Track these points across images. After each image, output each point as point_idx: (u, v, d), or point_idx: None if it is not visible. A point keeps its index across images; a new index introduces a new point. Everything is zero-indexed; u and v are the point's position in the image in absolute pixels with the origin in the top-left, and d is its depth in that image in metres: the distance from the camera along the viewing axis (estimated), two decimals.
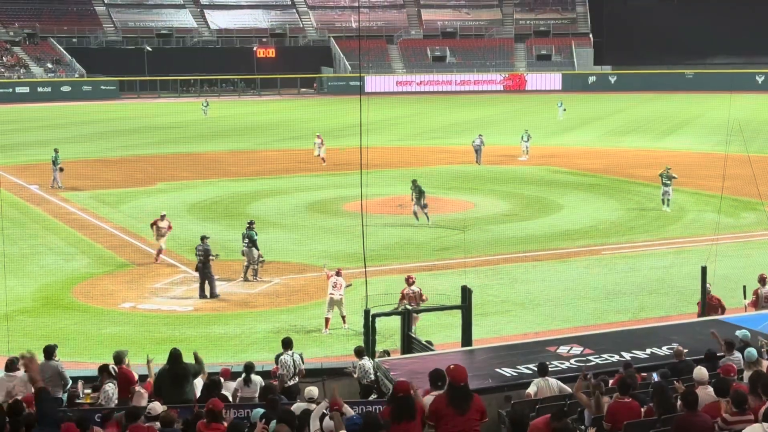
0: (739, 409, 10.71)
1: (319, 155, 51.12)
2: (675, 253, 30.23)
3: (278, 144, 59.63)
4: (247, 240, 27.19)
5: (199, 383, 15.33)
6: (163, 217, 30.12)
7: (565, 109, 73.27)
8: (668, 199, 36.90)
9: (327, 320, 23.02)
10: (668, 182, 36.76)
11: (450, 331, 21.63)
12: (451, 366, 10.65)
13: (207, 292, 25.64)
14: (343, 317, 23.13)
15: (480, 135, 52.29)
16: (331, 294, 22.93)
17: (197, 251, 25.82)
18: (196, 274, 25.99)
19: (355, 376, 16.38)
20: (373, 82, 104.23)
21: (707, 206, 37.17)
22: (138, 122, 74.99)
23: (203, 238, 25.96)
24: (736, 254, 29.17)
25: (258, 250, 27.24)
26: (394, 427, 10.27)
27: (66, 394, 15.07)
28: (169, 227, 30.09)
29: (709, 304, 20.80)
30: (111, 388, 14.62)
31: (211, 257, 25.79)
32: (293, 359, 16.57)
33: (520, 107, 77.97)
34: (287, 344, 16.80)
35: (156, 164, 50.74)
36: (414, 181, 35.07)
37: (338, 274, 23.30)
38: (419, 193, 34.67)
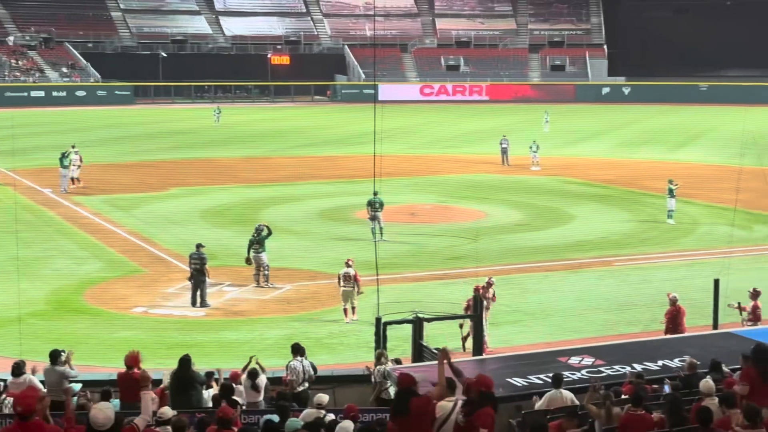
0: (752, 423, 10.66)
1: (71, 177, 43.57)
2: (688, 266, 30.12)
3: (291, 151, 59.74)
4: (257, 245, 27.25)
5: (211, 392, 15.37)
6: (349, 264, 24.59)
7: (548, 121, 72.24)
8: (671, 212, 36.68)
9: (345, 311, 24.17)
10: (671, 195, 36.57)
11: (461, 341, 21.67)
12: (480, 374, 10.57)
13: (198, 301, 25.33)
14: (353, 308, 24.06)
15: (505, 136, 53.34)
16: (342, 286, 24.14)
17: (192, 259, 25.60)
18: (209, 280, 25.96)
19: (374, 380, 16.34)
20: (387, 90, 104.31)
21: (720, 219, 37.00)
22: (152, 128, 75.27)
23: (198, 246, 25.81)
24: (748, 267, 28.99)
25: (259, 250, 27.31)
26: (391, 423, 10.09)
27: (75, 399, 15.08)
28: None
29: (677, 316, 20.83)
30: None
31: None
32: (302, 365, 16.58)
33: (533, 117, 77.84)
34: (297, 350, 16.83)
35: (169, 169, 50.87)
36: (375, 194, 32.44)
37: (348, 264, 24.41)
38: (380, 205, 32.73)
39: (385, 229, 33.15)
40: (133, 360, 14.76)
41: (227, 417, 11.41)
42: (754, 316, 20.80)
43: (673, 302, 21.18)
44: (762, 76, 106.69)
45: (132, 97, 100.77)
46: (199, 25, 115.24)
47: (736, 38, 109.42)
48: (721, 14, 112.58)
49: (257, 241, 27.30)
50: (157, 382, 15.46)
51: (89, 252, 31.87)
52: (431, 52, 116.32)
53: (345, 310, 24.22)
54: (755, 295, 20.98)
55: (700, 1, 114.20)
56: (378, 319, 18.62)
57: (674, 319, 20.99)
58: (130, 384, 14.91)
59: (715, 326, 21.13)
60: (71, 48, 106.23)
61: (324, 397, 13.03)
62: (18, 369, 14.81)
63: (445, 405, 10.34)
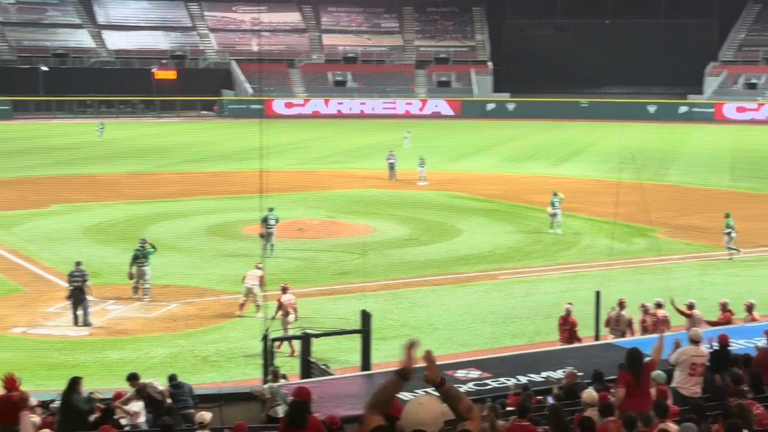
0: (630, 431, 10.96)
1: None
2: (570, 278, 30.77)
3: (178, 167, 58.96)
4: (143, 259, 26.91)
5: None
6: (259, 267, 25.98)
7: (406, 138, 70.31)
8: (558, 222, 37.71)
9: (241, 305, 25.44)
10: (557, 205, 37.61)
11: (349, 356, 21.66)
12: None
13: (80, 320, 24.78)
14: (258, 306, 25.02)
15: (392, 151, 53.75)
16: (245, 284, 25.40)
17: (73, 277, 25.05)
18: (92, 298, 25.41)
19: (267, 397, 16.16)
20: (274, 105, 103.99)
21: (601, 232, 37.95)
22: (32, 143, 73.31)
23: (78, 264, 25.43)
24: (628, 279, 29.85)
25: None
26: None
27: None
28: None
29: (571, 329, 21.38)
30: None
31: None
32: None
33: (420, 133, 78.51)
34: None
35: (51, 186, 49.61)
36: (271, 209, 32.07)
37: (258, 267, 25.67)
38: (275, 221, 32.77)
39: (275, 246, 32.99)
40: (9, 382, 14.32)
41: None
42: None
43: (569, 313, 21.62)
44: (638, 93, 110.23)
45: (11, 111, 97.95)
46: (81, 38, 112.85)
47: (614, 56, 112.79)
48: (600, 33, 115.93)
49: (143, 255, 26.98)
50: (47, 404, 15.09)
51: None
52: (318, 67, 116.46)
53: (240, 305, 25.42)
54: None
55: (580, 21, 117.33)
56: (265, 336, 18.50)
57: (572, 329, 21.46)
58: (8, 407, 14.44)
59: (597, 337, 21.67)
60: None
61: (206, 415, 12.85)
62: None
63: None
